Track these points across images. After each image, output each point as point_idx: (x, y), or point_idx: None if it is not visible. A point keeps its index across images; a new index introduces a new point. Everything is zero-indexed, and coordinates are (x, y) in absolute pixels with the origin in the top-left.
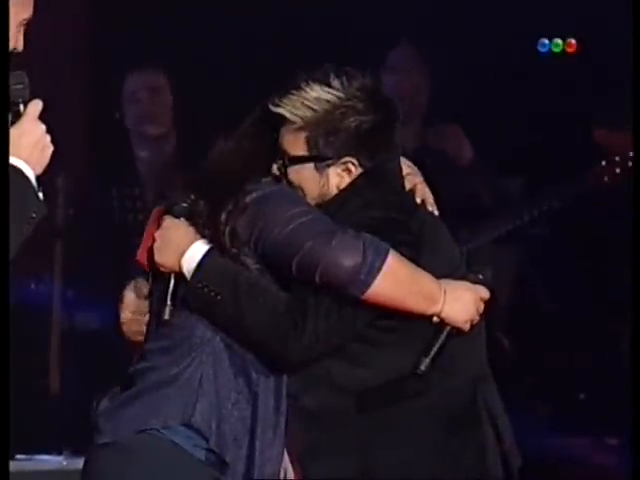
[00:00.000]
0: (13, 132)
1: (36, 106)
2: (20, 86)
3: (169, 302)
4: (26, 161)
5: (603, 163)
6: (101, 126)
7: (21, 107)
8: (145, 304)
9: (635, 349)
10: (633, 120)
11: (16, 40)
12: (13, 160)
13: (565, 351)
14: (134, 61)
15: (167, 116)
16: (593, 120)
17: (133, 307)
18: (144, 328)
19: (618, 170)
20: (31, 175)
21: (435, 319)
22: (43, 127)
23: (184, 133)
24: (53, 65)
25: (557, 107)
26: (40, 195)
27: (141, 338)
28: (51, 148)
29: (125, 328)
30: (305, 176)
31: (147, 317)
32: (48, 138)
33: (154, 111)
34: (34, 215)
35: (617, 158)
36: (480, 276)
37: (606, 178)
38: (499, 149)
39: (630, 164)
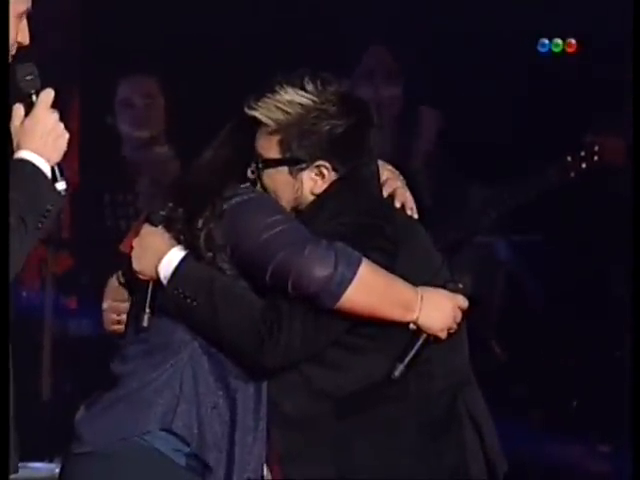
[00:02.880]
0: (27, 122)
1: (48, 95)
2: (30, 77)
3: (147, 309)
4: (38, 151)
5: (568, 158)
6: (92, 132)
7: (34, 98)
8: (124, 291)
9: (635, 355)
10: (633, 120)
11: (16, 32)
12: (23, 154)
13: (558, 357)
14: (125, 65)
15: (160, 121)
16: (592, 121)
17: (114, 294)
18: (122, 317)
19: (584, 165)
20: (44, 166)
21: (412, 326)
22: (56, 115)
23: (175, 138)
24: (43, 69)
25: (557, 107)
26: (59, 186)
27: (117, 328)
28: (66, 136)
29: (105, 316)
30: (279, 180)
31: (125, 309)
32: (61, 126)
33: (148, 116)
34: (50, 207)
35: (582, 153)
36: (460, 285)
37: (572, 174)
38: (499, 149)
39: (596, 159)
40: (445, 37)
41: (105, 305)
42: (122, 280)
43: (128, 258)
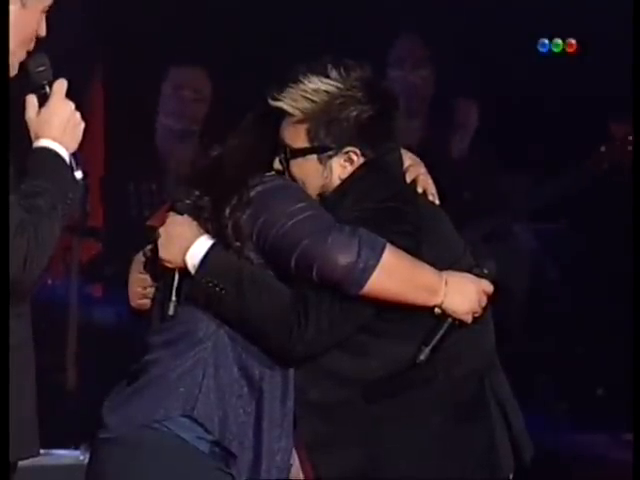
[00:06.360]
0: (43, 113)
1: (61, 85)
2: (42, 68)
3: (174, 298)
4: (59, 141)
5: (602, 149)
6: (118, 121)
7: (47, 89)
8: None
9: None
10: (633, 119)
11: (39, 27)
12: (45, 142)
13: (583, 346)
14: (151, 56)
15: (203, 116)
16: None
17: (140, 267)
18: (148, 291)
19: (618, 155)
20: (65, 154)
21: (437, 310)
22: (72, 105)
23: (206, 133)
24: (70, 58)
25: (557, 107)
26: (77, 174)
27: (143, 302)
28: (82, 124)
29: (130, 290)
30: (308, 169)
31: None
32: (78, 115)
33: (195, 111)
34: (71, 195)
35: (617, 142)
36: (485, 270)
37: (606, 164)
38: (499, 149)
39: (630, 148)
40: (445, 37)
41: (131, 278)
42: (149, 255)
43: (156, 231)
